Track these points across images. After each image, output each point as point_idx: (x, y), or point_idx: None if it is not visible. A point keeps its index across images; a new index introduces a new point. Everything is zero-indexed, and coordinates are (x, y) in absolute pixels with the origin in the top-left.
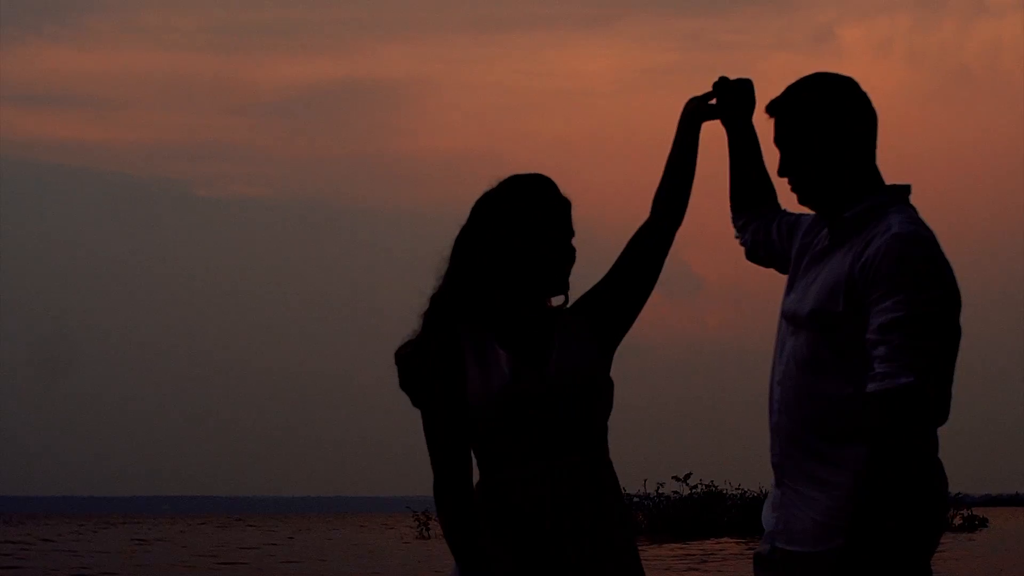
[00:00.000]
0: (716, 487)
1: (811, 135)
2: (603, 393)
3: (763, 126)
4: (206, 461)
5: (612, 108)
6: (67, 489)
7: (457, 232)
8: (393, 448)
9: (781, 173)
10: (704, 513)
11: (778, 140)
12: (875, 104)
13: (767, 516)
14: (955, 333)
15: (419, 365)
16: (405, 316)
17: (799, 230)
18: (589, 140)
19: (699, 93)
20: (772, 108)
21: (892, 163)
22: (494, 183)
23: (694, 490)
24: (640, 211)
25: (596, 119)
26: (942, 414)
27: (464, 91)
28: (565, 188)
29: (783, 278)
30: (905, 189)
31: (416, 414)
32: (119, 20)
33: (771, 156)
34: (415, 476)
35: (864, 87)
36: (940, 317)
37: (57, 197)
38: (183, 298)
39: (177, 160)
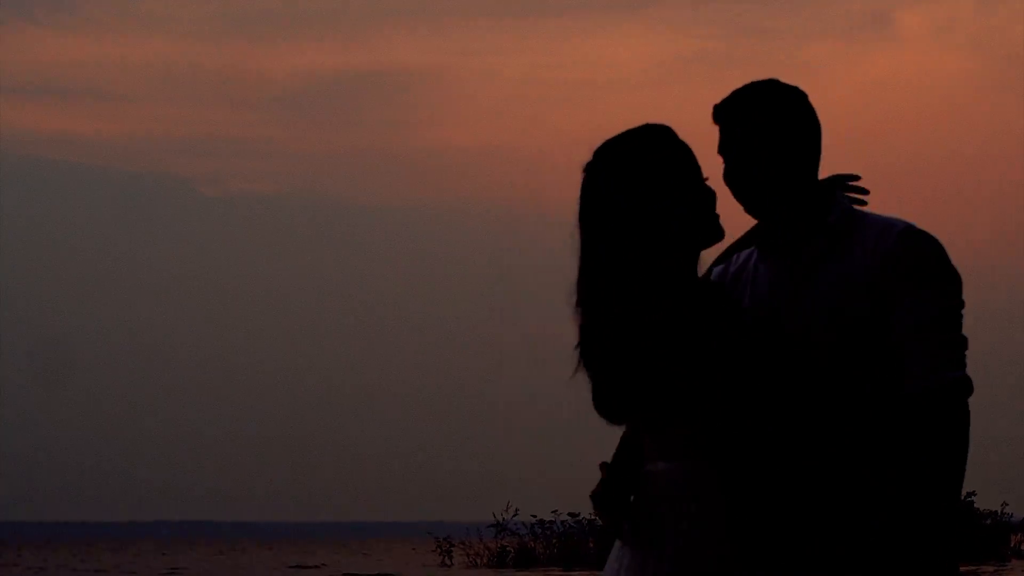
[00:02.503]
0: None
1: (756, 144)
2: None
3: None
4: (206, 478)
5: (643, 100)
6: (59, 515)
7: (461, 232)
8: (409, 464)
9: (726, 180)
10: None
11: (722, 148)
12: (936, 94)
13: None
14: None
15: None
16: (420, 318)
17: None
18: None
19: (740, 83)
20: (717, 114)
21: (955, 154)
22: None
23: None
24: None
25: (626, 112)
26: None
27: (483, 82)
28: None
29: None
30: None
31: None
32: (119, 7)
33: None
34: (435, 499)
35: (924, 75)
36: (961, 311)
37: (53, 194)
38: (186, 301)
39: (180, 156)
